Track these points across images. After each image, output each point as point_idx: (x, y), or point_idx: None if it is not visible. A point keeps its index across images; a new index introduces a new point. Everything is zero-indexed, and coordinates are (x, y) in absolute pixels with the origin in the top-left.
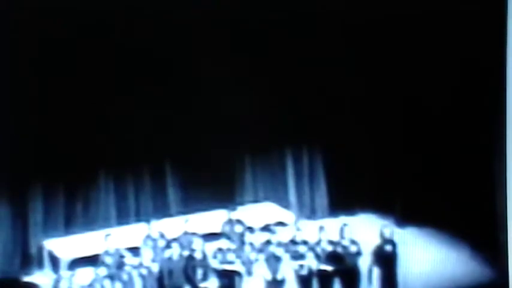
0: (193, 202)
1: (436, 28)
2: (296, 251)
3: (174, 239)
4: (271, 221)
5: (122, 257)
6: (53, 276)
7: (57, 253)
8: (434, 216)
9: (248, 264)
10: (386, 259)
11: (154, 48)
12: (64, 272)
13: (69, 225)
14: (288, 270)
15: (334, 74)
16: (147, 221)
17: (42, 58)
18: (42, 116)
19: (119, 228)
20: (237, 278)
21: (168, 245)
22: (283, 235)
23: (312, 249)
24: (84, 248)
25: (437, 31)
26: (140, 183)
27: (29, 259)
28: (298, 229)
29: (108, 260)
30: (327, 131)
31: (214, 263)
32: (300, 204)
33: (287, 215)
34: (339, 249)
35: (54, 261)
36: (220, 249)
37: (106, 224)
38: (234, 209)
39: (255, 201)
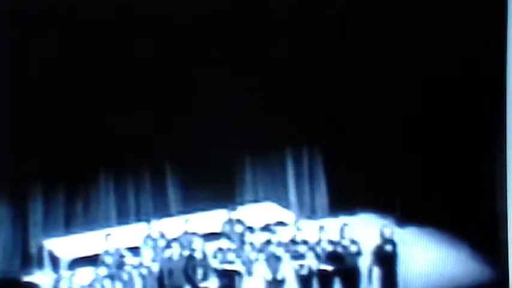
0: (193, 202)
1: (436, 28)
2: (296, 251)
3: (174, 239)
4: (271, 221)
5: (122, 256)
6: (53, 276)
7: (57, 253)
8: (434, 216)
9: (248, 264)
10: (386, 259)
11: (154, 48)
12: (64, 272)
13: (69, 225)
14: (288, 270)
15: (334, 74)
16: (147, 220)
17: (42, 58)
18: (42, 115)
19: (119, 228)
20: (237, 278)
21: (168, 245)
22: (283, 235)
23: (312, 249)
24: (84, 248)
25: (438, 31)
26: (140, 183)
27: (29, 259)
28: (298, 229)
29: (108, 259)
30: (327, 131)
31: (215, 263)
32: (300, 204)
33: (287, 215)
34: (339, 249)
35: (54, 261)
36: (220, 249)
37: (106, 224)
38: (234, 209)
39: (255, 201)
